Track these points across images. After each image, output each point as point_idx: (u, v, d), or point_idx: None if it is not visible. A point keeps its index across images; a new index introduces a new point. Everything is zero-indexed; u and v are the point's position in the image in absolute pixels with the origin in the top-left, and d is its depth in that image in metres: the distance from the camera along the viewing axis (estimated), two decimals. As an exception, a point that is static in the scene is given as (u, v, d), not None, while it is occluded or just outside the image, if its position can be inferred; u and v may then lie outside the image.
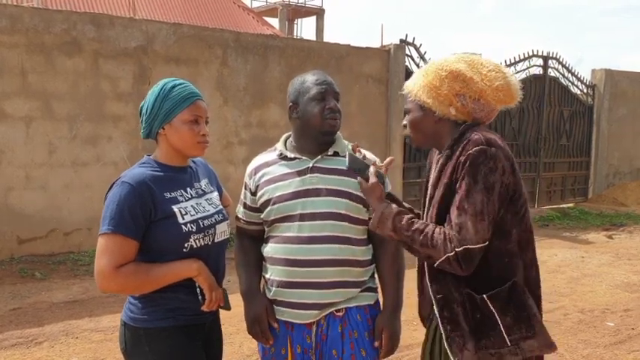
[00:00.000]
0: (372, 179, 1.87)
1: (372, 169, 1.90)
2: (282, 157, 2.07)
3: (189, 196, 1.91)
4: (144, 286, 1.80)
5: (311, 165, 2.02)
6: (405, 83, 1.95)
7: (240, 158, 7.35)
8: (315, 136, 2.03)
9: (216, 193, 2.08)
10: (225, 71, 7.25)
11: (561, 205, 10.78)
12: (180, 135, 1.88)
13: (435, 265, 1.74)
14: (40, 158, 6.10)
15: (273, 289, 2.03)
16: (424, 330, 2.05)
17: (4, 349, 3.94)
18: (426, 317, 2.04)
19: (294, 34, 24.79)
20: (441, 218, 1.78)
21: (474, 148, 1.70)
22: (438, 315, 1.81)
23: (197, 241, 1.86)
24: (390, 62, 8.65)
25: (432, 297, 1.84)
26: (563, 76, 10.79)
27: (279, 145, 2.11)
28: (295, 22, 25.38)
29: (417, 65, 9.06)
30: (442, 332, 1.80)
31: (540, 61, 10.32)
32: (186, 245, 1.83)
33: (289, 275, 1.99)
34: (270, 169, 2.05)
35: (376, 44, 9.11)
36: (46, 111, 6.11)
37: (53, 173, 6.16)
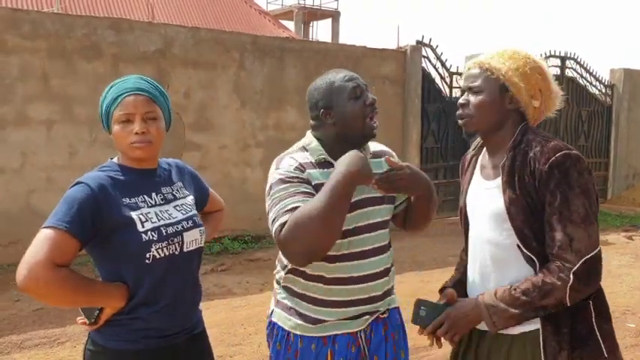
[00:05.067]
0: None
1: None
2: (321, 164, 1.81)
3: (153, 203, 1.73)
4: (71, 298, 1.60)
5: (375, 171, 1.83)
6: (474, 59, 1.79)
7: (257, 160, 7.40)
8: (357, 140, 1.83)
9: (190, 198, 1.88)
10: (242, 74, 7.31)
11: (580, 207, 10.66)
12: (115, 138, 1.71)
13: (569, 303, 1.58)
14: (61, 161, 6.20)
15: (319, 308, 1.82)
16: None
17: (28, 348, 4.01)
18: None
19: (310, 36, 24.85)
20: (522, 230, 1.65)
21: (558, 154, 1.60)
22: (541, 318, 1.66)
23: (160, 250, 1.67)
24: (407, 64, 8.65)
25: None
26: (581, 76, 10.69)
27: (314, 150, 1.84)
28: (311, 24, 25.42)
29: (434, 66, 9.05)
30: (540, 335, 1.65)
31: (558, 62, 10.24)
32: (147, 255, 1.65)
33: (343, 294, 1.81)
34: (314, 173, 1.78)
35: (392, 46, 9.11)
36: (67, 114, 6.22)
37: (74, 176, 6.15)
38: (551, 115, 1.83)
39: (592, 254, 1.56)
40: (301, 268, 1.79)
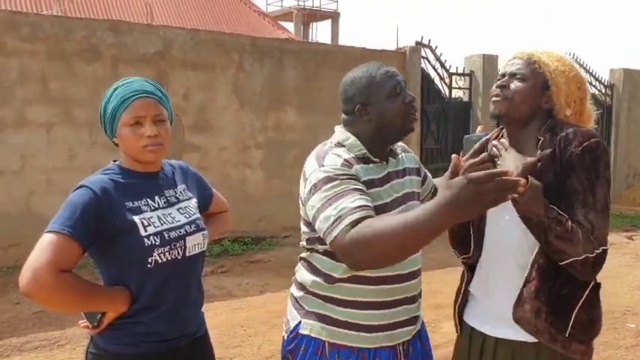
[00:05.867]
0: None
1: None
2: (363, 159, 1.72)
3: (157, 206, 1.72)
4: (74, 303, 1.59)
5: (401, 168, 1.81)
6: (522, 49, 1.77)
7: (256, 162, 7.40)
8: (393, 138, 1.77)
9: (194, 201, 1.86)
10: (241, 76, 7.31)
11: (580, 207, 10.65)
12: (125, 141, 1.68)
13: (565, 262, 1.57)
14: (61, 163, 6.20)
15: (357, 311, 1.70)
16: (442, 332, 2.01)
17: (28, 351, 4.01)
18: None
19: (310, 37, 24.85)
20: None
21: (592, 140, 1.60)
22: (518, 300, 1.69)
23: (162, 255, 1.66)
24: (406, 64, 8.65)
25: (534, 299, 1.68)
26: (581, 76, 10.69)
27: (353, 146, 1.72)
28: (310, 25, 25.43)
29: (433, 67, 9.06)
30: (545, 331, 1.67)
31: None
32: (150, 260, 1.64)
33: (384, 294, 1.71)
34: (360, 169, 1.68)
35: (392, 46, 9.11)
36: (67, 117, 6.22)
37: (74, 178, 6.19)
38: None
39: (606, 248, 1.58)
40: (339, 274, 1.68)
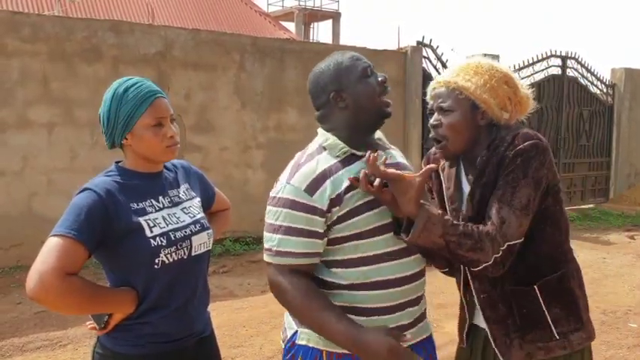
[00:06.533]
0: (409, 174, 1.60)
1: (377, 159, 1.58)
2: (345, 160, 1.65)
3: (161, 206, 1.71)
4: (82, 306, 1.59)
5: (394, 162, 1.73)
6: (439, 78, 1.78)
7: (258, 162, 7.40)
8: (372, 122, 1.70)
9: (197, 200, 1.86)
10: (242, 76, 7.31)
11: (582, 206, 10.65)
12: (146, 143, 1.67)
13: (478, 269, 1.60)
14: (62, 164, 6.20)
15: (355, 318, 1.61)
16: (444, 332, 2.01)
17: (30, 351, 4.01)
18: (466, 332, 1.91)
19: (311, 37, 24.86)
20: (476, 218, 1.68)
21: (526, 143, 1.63)
22: (483, 316, 1.75)
23: (169, 255, 1.66)
24: (407, 64, 8.65)
25: (475, 298, 1.77)
26: (583, 75, 10.67)
27: (334, 146, 1.66)
28: (311, 25, 25.43)
29: (435, 67, 9.05)
30: (489, 334, 1.74)
31: (559, 61, 10.23)
32: (156, 261, 1.64)
33: (385, 299, 1.64)
34: (339, 178, 1.61)
35: (393, 46, 9.11)
36: (68, 117, 6.22)
37: (75, 179, 6.24)
38: (526, 116, 1.84)
39: (515, 242, 1.59)
40: (338, 281, 1.64)
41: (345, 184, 1.60)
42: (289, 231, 1.59)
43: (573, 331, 1.71)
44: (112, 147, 1.72)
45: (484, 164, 1.69)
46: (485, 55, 1.88)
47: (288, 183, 1.62)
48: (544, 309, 1.69)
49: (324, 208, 1.58)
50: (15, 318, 4.63)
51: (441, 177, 1.88)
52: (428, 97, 1.82)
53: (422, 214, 1.55)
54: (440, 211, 1.61)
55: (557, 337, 1.69)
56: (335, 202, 1.59)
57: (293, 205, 1.59)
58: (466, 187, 1.80)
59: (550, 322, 1.69)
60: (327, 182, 1.60)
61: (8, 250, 5.86)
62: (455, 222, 1.60)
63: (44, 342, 4.16)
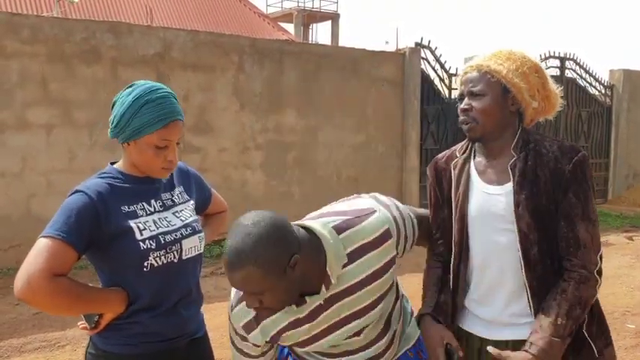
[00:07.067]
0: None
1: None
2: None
3: (152, 210, 1.71)
4: (70, 307, 1.59)
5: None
6: (471, 62, 1.77)
7: (256, 163, 7.40)
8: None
9: (190, 203, 1.85)
10: (241, 77, 7.32)
11: (580, 207, 10.65)
12: (144, 158, 1.67)
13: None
14: (61, 165, 6.21)
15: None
16: None
17: (28, 352, 4.01)
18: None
19: (310, 39, 24.87)
20: (527, 235, 1.65)
21: (579, 153, 1.65)
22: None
23: (158, 259, 1.65)
24: (406, 65, 8.65)
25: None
26: (581, 77, 10.69)
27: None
28: (310, 27, 25.45)
29: (433, 68, 9.06)
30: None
31: (557, 62, 10.25)
32: (145, 264, 1.64)
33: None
34: (258, 335, 1.62)
35: (391, 47, 9.12)
36: (67, 118, 6.22)
37: (73, 179, 6.19)
38: (551, 117, 1.84)
39: (600, 253, 1.65)
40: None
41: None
42: None
43: (607, 345, 1.70)
44: (114, 138, 1.72)
45: (523, 163, 1.68)
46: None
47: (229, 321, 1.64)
48: (584, 329, 1.67)
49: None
50: (13, 319, 4.63)
51: (452, 175, 1.82)
52: (458, 83, 1.82)
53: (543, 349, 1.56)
54: (538, 338, 1.57)
55: (597, 355, 1.67)
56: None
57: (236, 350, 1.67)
58: (477, 186, 1.76)
59: (590, 341, 1.67)
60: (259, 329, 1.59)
61: (7, 250, 5.87)
62: (555, 318, 1.58)
63: (42, 343, 4.16)
